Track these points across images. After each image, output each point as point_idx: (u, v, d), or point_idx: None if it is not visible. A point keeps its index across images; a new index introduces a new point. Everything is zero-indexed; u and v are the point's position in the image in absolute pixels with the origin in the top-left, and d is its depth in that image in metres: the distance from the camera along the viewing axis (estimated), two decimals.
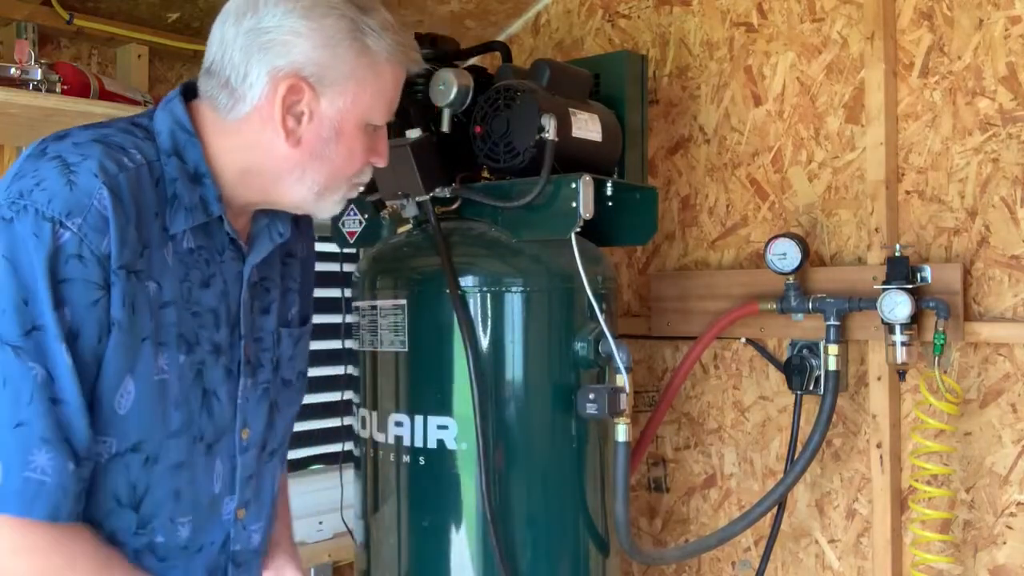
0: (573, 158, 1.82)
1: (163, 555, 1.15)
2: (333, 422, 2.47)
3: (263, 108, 1.12)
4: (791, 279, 2.10)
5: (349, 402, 2.00)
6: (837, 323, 2.04)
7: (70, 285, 1.01)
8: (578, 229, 1.75)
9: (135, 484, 1.10)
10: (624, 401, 1.75)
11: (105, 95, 1.90)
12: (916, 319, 1.95)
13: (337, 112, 1.14)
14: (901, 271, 1.95)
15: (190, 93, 1.18)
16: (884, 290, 1.95)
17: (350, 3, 1.13)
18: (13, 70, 1.72)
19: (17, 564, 1.01)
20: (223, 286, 1.18)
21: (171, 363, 1.11)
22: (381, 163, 1.24)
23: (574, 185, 1.73)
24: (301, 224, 1.34)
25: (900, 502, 2.08)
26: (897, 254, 1.98)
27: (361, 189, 1.26)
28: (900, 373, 2.04)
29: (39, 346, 0.99)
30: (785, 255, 2.08)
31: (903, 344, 1.95)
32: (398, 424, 1.78)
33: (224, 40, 1.12)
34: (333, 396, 2.31)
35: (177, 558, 1.17)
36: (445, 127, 1.85)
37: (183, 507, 1.15)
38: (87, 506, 1.07)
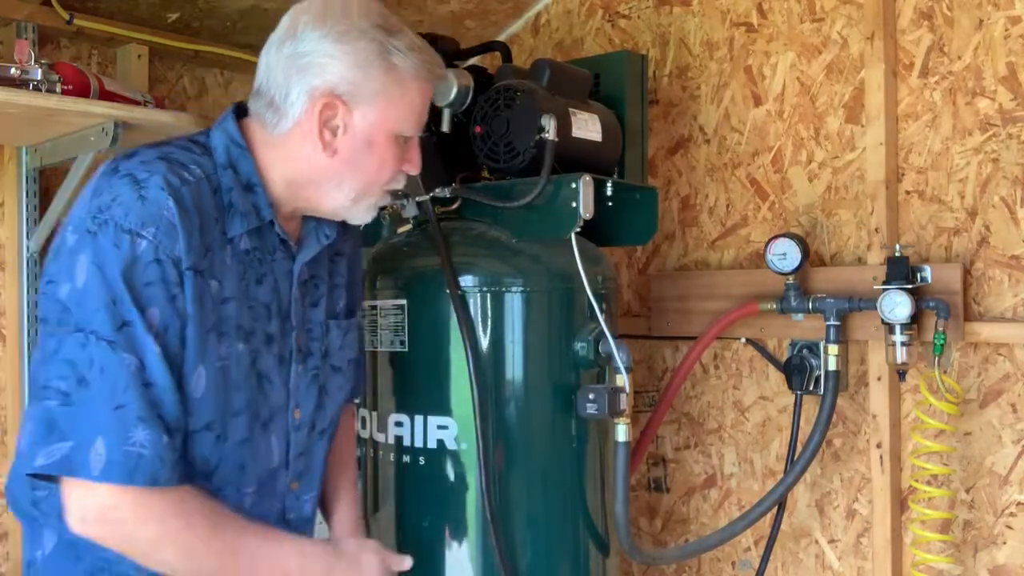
0: (573, 158, 1.82)
1: None
2: None
3: (303, 123, 1.25)
4: (791, 279, 2.10)
5: None
6: (837, 323, 2.04)
7: (153, 288, 1.15)
8: (578, 229, 1.75)
9: (208, 458, 1.24)
10: (624, 401, 1.75)
11: (105, 95, 1.90)
12: (916, 319, 1.95)
13: (369, 125, 1.27)
14: (901, 271, 1.95)
15: (241, 112, 1.32)
16: (884, 290, 1.95)
17: (379, 27, 1.26)
18: (13, 70, 1.73)
19: (144, 532, 1.16)
20: (274, 283, 1.32)
21: (231, 351, 1.24)
22: (414, 171, 1.36)
23: (574, 185, 1.73)
24: (347, 224, 1.44)
25: (900, 502, 2.08)
26: (897, 254, 1.98)
27: (394, 197, 1.35)
28: (900, 373, 2.04)
29: (130, 339, 1.13)
30: (785, 255, 2.08)
31: (903, 344, 1.95)
32: (398, 424, 1.78)
33: (268, 65, 1.27)
34: None
35: None
36: (445, 127, 1.85)
37: (247, 478, 1.30)
38: None
